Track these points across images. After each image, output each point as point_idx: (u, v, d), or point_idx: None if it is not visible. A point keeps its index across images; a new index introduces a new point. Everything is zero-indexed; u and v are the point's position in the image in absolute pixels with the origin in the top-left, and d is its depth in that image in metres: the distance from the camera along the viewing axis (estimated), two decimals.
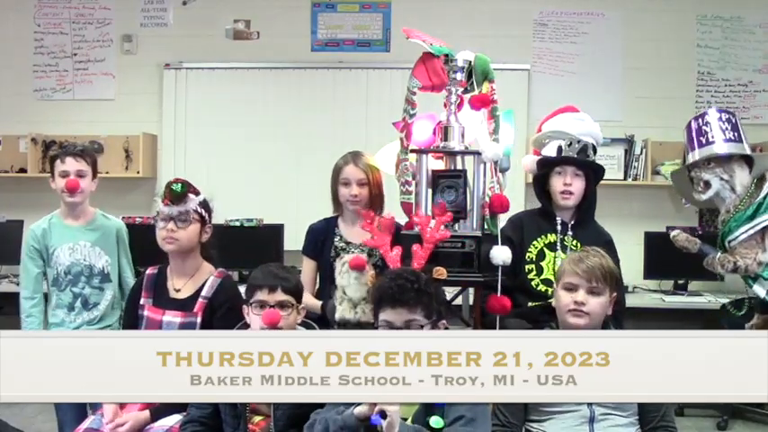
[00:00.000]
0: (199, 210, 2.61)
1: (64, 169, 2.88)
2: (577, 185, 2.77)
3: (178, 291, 2.62)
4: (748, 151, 2.54)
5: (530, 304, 2.75)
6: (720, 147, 2.54)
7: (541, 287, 2.74)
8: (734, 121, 2.60)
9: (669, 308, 4.76)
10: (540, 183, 2.86)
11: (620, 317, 2.73)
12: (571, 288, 2.24)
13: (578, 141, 2.75)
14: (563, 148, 2.77)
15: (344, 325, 2.52)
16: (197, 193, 2.63)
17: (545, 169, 2.82)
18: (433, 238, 2.37)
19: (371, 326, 2.44)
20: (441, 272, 2.32)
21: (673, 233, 2.71)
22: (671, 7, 5.33)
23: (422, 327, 2.00)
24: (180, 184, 2.61)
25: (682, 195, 2.83)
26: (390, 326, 2.01)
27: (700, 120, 2.62)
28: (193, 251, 2.64)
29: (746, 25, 5.33)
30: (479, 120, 2.63)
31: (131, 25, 5.54)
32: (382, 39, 5.45)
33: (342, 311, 2.52)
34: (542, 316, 2.55)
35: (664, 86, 5.28)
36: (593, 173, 2.81)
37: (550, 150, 2.81)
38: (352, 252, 2.98)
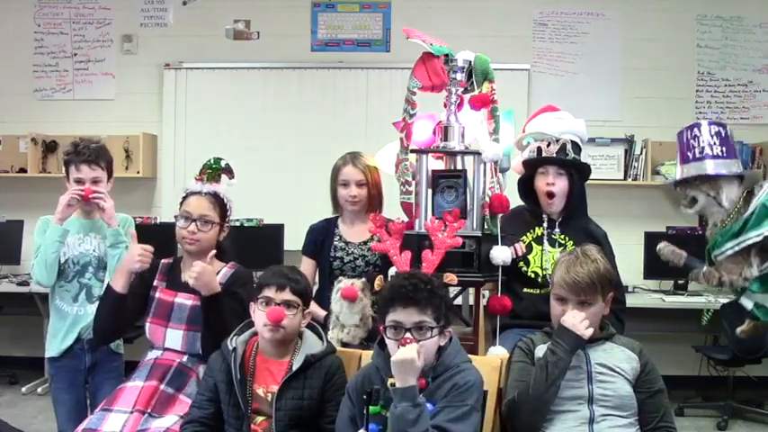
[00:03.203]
0: (224, 198, 2.68)
1: (79, 177, 2.84)
2: (561, 184, 2.80)
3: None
4: (735, 169, 2.52)
5: (525, 290, 2.79)
6: (709, 166, 2.50)
7: (531, 274, 2.80)
8: (724, 134, 2.53)
9: (669, 308, 4.76)
10: (527, 184, 2.89)
11: (621, 315, 2.74)
12: (561, 299, 2.23)
13: (557, 140, 2.77)
14: (542, 148, 2.79)
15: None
16: (231, 176, 2.71)
17: (529, 171, 2.85)
18: (445, 245, 2.36)
19: (356, 346, 2.47)
20: (451, 278, 2.32)
21: (659, 246, 2.67)
22: (671, 7, 5.33)
23: (431, 329, 1.99)
24: (218, 160, 2.70)
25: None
26: (399, 326, 1.99)
27: (690, 131, 2.59)
28: (209, 250, 2.66)
29: (746, 25, 5.33)
30: (479, 120, 2.64)
31: (131, 25, 5.54)
32: (382, 39, 5.45)
33: (330, 335, 2.53)
34: (544, 305, 2.55)
35: (664, 86, 5.29)
36: (576, 171, 2.84)
37: (531, 152, 2.84)
38: (352, 252, 3.00)
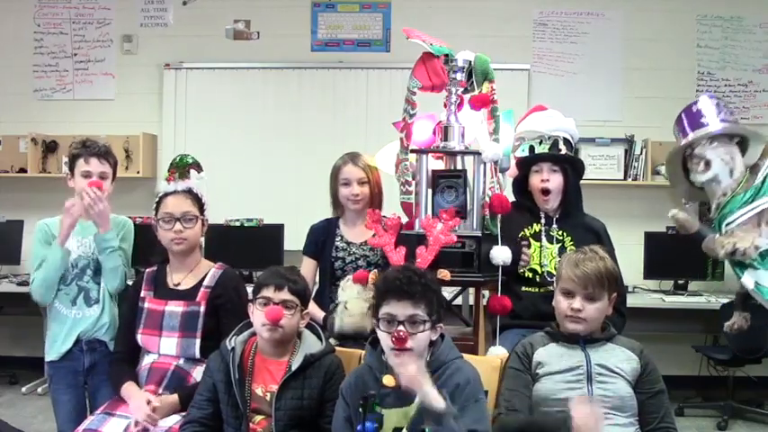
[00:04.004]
0: (197, 193, 2.69)
1: (87, 169, 2.82)
2: (555, 181, 2.82)
3: (177, 285, 2.64)
4: (742, 131, 2.55)
5: (523, 289, 2.79)
6: (716, 125, 2.53)
7: (528, 274, 2.79)
8: (723, 104, 2.64)
9: (669, 308, 4.76)
10: (522, 184, 2.90)
11: (622, 308, 2.72)
12: (568, 293, 2.24)
13: (548, 137, 2.78)
14: (534, 146, 2.80)
15: (342, 338, 2.53)
16: (199, 170, 2.71)
17: (523, 170, 2.86)
18: (439, 241, 2.37)
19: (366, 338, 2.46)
20: (445, 274, 2.33)
21: (672, 211, 2.67)
22: (671, 7, 5.33)
23: (424, 323, 2.00)
24: (184, 157, 2.70)
25: (672, 182, 2.81)
26: (392, 319, 2.00)
27: (693, 106, 2.63)
28: (195, 247, 2.69)
29: (746, 25, 5.33)
30: (479, 120, 2.64)
31: (131, 25, 5.54)
32: (382, 39, 5.45)
33: (339, 324, 2.54)
34: (543, 305, 2.54)
35: (664, 86, 5.28)
36: (570, 166, 2.85)
37: (523, 151, 2.85)
38: (353, 252, 2.99)
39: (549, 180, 2.80)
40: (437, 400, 1.88)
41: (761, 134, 2.63)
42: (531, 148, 2.84)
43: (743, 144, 2.62)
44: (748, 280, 2.51)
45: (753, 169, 2.56)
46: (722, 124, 2.55)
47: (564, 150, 2.82)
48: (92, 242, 2.87)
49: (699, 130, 2.57)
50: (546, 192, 2.81)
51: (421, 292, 2.00)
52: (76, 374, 2.84)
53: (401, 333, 1.96)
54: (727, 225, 2.51)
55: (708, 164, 2.53)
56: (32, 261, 2.91)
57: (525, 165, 2.86)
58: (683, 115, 2.66)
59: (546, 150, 2.81)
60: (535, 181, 2.83)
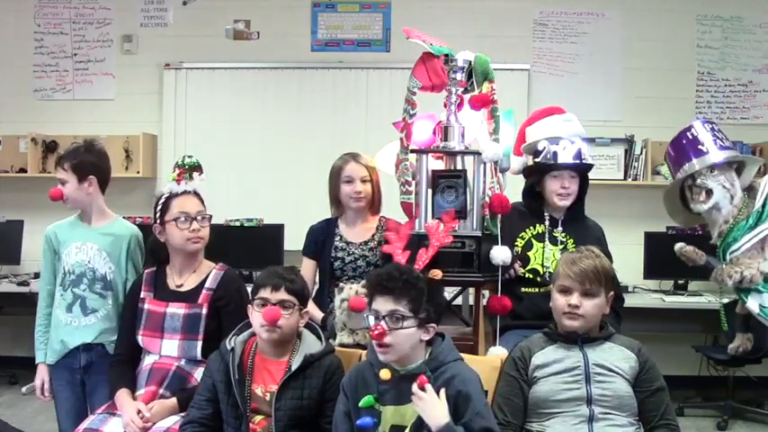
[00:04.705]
0: (201, 195, 2.68)
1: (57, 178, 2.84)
2: (574, 187, 2.83)
3: (179, 286, 2.63)
4: (740, 157, 2.55)
5: (523, 290, 2.79)
6: (717, 154, 2.53)
7: (529, 275, 2.79)
8: (717, 128, 2.63)
9: (669, 308, 4.76)
10: (531, 187, 2.89)
11: (618, 309, 2.73)
12: (565, 290, 2.24)
13: (572, 143, 2.78)
14: (558, 152, 2.79)
15: (344, 346, 2.54)
16: (200, 173, 2.70)
17: (539, 175, 2.85)
18: (438, 242, 2.39)
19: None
20: (435, 273, 2.34)
21: (677, 246, 2.67)
22: (671, 7, 5.33)
23: (404, 318, 2.00)
24: (189, 158, 2.69)
25: (671, 214, 2.81)
26: (377, 315, 2.02)
27: (688, 133, 2.62)
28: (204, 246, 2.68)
29: (746, 25, 5.33)
30: (479, 120, 2.64)
31: (131, 25, 5.55)
32: (382, 39, 5.45)
33: (341, 337, 2.55)
34: (545, 303, 2.55)
35: (664, 86, 5.29)
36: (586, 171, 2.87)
37: (547, 155, 2.81)
38: (353, 252, 2.99)
39: (569, 187, 2.80)
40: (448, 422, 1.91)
41: (757, 158, 2.65)
42: (555, 154, 2.80)
43: (740, 168, 2.62)
44: (753, 304, 2.50)
45: (749, 191, 2.55)
46: (723, 152, 2.53)
47: (587, 159, 2.82)
48: (90, 249, 2.82)
49: (698, 159, 2.56)
50: (564, 196, 2.82)
51: (401, 288, 2.01)
52: (73, 372, 2.81)
53: (378, 327, 1.98)
54: (732, 253, 2.51)
55: (709, 193, 2.53)
56: (41, 270, 2.92)
57: (542, 169, 2.84)
58: (680, 143, 2.64)
59: (570, 158, 2.78)
60: (554, 186, 2.81)
